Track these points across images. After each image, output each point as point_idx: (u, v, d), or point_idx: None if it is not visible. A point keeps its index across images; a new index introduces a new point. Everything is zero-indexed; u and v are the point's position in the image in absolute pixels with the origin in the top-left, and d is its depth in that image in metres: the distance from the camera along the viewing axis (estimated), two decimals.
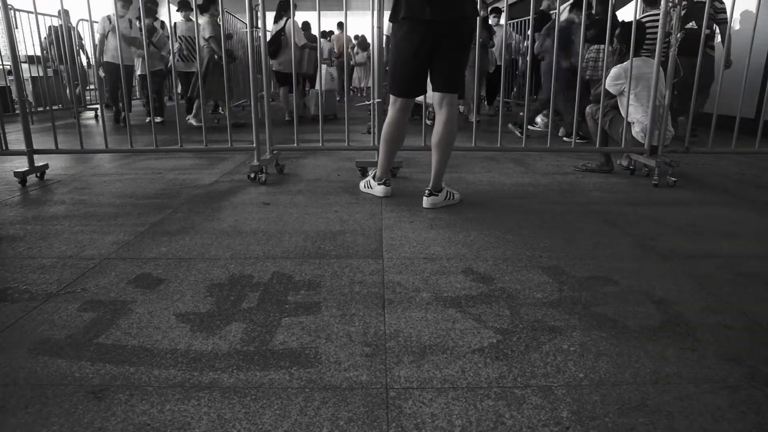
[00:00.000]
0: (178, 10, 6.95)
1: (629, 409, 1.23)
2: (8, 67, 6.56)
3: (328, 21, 10.04)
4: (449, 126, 2.88)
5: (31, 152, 3.65)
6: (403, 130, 3.08)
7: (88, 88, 9.08)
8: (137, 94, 9.11)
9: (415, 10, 2.72)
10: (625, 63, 3.66)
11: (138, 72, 7.32)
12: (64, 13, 5.34)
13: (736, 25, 5.85)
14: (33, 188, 3.48)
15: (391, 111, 3.04)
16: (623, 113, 3.71)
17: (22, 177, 3.51)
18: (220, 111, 7.82)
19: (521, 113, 5.19)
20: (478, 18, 2.99)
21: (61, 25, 6.75)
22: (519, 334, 1.57)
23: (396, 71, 2.96)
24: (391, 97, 3.02)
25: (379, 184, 3.21)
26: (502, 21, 7.94)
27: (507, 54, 6.47)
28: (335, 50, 10.73)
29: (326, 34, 11.01)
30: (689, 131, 3.90)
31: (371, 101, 3.78)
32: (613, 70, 3.71)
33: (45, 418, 1.20)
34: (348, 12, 3.89)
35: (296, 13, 5.42)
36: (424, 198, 2.98)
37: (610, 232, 2.56)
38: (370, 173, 3.38)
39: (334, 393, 1.29)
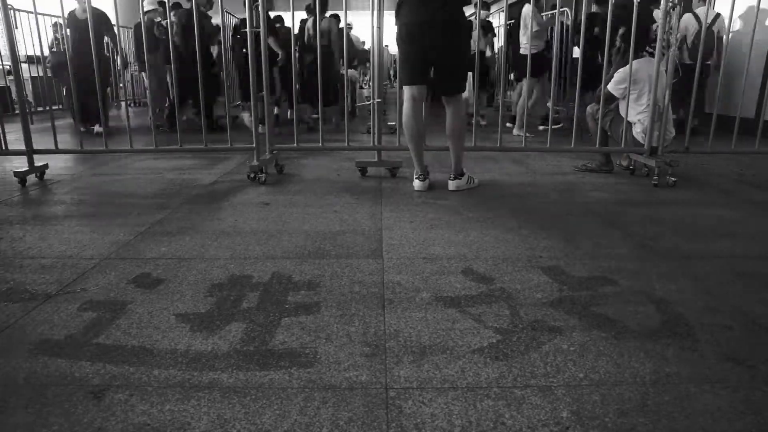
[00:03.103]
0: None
1: (629, 409, 1.23)
2: (8, 67, 6.43)
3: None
4: (457, 117, 3.29)
5: (31, 152, 3.64)
6: (420, 119, 3.35)
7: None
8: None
9: (410, 14, 3.12)
10: (628, 66, 3.64)
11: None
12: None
13: (735, 25, 5.85)
14: (33, 188, 3.47)
15: (405, 104, 3.31)
16: (623, 114, 3.71)
17: (22, 177, 3.51)
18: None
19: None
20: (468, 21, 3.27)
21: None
22: (519, 334, 1.57)
23: (402, 65, 3.34)
24: (405, 91, 3.29)
25: (415, 179, 3.40)
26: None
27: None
28: None
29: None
30: (689, 130, 3.90)
31: (371, 101, 3.78)
32: (617, 74, 3.70)
33: (45, 418, 1.20)
34: (348, 12, 3.89)
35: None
36: (449, 182, 3.35)
37: (610, 232, 2.56)
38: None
39: (334, 393, 1.29)
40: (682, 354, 1.47)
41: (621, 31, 3.97)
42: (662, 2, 3.51)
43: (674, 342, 1.53)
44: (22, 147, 3.65)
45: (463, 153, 3.38)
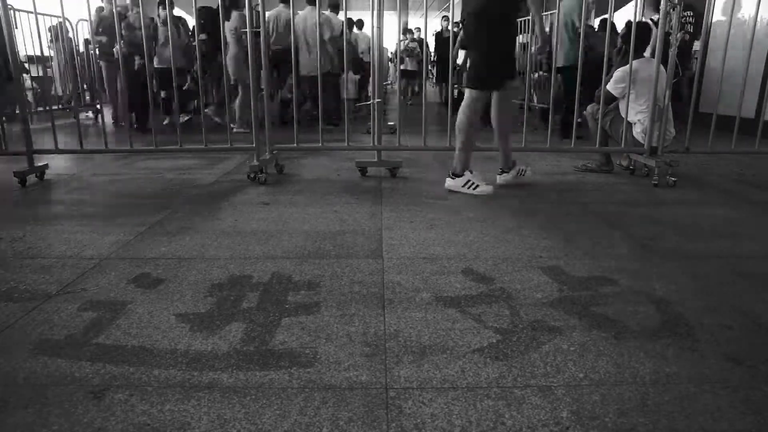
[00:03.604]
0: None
1: (629, 409, 1.23)
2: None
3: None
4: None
5: (31, 152, 3.64)
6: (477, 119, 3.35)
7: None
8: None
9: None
10: (628, 66, 3.64)
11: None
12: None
13: (735, 25, 5.84)
14: (33, 188, 3.47)
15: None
16: (623, 114, 3.70)
17: (22, 177, 3.51)
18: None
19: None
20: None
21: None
22: (519, 334, 1.57)
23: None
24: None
25: (480, 183, 3.27)
26: None
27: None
28: None
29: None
30: (689, 131, 3.89)
31: (371, 101, 3.78)
32: (616, 74, 3.70)
33: (45, 418, 1.20)
34: (348, 12, 3.89)
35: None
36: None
37: (610, 232, 2.56)
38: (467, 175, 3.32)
39: (334, 393, 1.29)
40: (682, 354, 1.47)
41: (622, 31, 3.97)
42: (662, 2, 3.51)
43: (674, 342, 1.53)
44: (23, 147, 3.65)
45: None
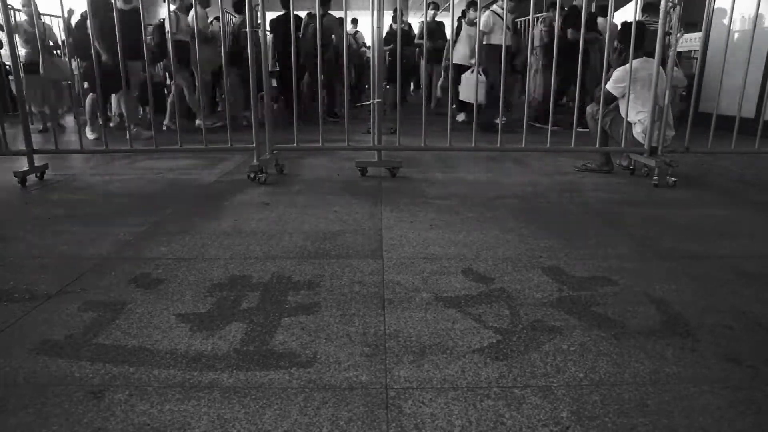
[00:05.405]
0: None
1: (629, 409, 1.23)
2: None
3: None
4: None
5: (31, 152, 3.64)
6: None
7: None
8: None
9: None
10: (627, 65, 3.64)
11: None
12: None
13: (735, 25, 5.84)
14: (33, 188, 3.47)
15: None
16: (623, 114, 3.70)
17: (22, 177, 3.51)
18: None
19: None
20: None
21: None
22: (519, 334, 1.57)
23: None
24: None
25: None
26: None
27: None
28: None
29: None
30: (689, 131, 3.89)
31: (371, 101, 3.77)
32: (616, 73, 3.69)
33: (45, 418, 1.20)
34: (347, 12, 3.89)
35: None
36: None
37: (610, 232, 2.56)
38: None
39: (334, 393, 1.29)
40: (682, 354, 1.47)
41: (618, 32, 3.97)
42: (662, 2, 3.51)
43: (674, 342, 1.53)
44: (22, 147, 3.65)
45: None
